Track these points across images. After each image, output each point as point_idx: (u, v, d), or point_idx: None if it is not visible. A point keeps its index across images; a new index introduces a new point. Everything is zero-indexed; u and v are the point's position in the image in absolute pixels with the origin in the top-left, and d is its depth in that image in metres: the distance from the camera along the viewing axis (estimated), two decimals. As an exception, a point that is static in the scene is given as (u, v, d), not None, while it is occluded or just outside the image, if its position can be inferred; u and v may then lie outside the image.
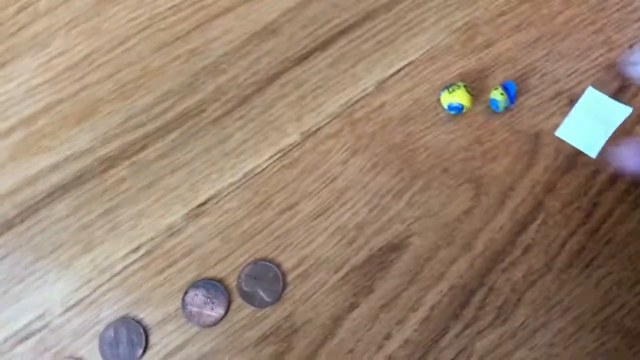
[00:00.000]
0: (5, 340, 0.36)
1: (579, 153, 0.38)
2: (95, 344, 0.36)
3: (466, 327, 0.35)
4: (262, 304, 0.36)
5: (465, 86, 0.39)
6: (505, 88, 0.39)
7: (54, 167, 0.39)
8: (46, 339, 0.36)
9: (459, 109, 0.39)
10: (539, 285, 0.36)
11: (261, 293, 0.36)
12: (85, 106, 0.41)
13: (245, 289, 0.36)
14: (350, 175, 0.39)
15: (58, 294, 0.37)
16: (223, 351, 0.35)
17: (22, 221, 0.38)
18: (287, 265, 0.37)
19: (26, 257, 0.38)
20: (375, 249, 0.37)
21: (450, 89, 0.39)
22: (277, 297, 0.36)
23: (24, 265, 0.37)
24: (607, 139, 0.38)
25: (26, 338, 0.36)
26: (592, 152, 0.38)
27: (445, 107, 0.39)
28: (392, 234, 0.37)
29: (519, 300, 0.36)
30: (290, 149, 0.40)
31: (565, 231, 0.37)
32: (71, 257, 0.37)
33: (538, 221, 0.37)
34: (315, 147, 0.40)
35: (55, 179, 0.39)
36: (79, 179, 0.39)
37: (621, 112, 0.39)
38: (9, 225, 0.38)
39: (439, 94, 0.40)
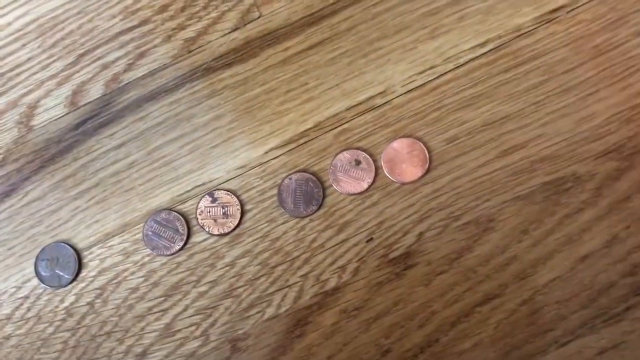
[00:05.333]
0: (348, 108, 0.37)
1: None
2: (436, 127, 0.37)
3: None
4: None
5: None
6: None
7: (402, -53, 0.38)
8: (387, 115, 0.37)
9: None
10: None
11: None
12: None
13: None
14: None
15: (400, 74, 0.37)
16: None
17: (367, -3, 0.38)
18: (635, 87, 0.36)
19: (371, 33, 0.38)
20: None
21: None
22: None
23: (368, 40, 0.38)
24: None
25: (367, 111, 0.37)
26: None
27: None
28: None
29: None
30: (657, -32, 0.37)
31: None
32: (416, 40, 0.37)
33: None
34: (685, -30, 0.37)
35: (403, -41, 0.38)
36: (428, -36, 0.38)
37: None
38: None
39: None
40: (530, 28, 0.37)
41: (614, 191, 0.35)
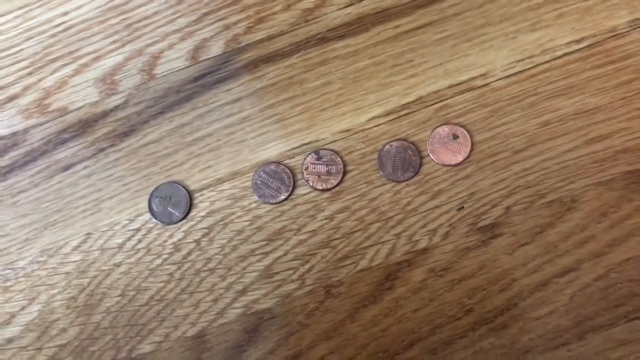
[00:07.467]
0: (449, 86, 0.40)
1: None
2: (531, 112, 0.40)
3: None
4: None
5: None
6: None
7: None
8: (485, 96, 0.40)
9: None
10: None
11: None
12: None
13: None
14: None
15: (501, 60, 0.40)
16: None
17: (475, -13, 0.41)
18: None
19: (476, 20, 0.41)
20: None
21: None
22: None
23: (473, 26, 0.41)
24: None
25: (467, 90, 0.40)
26: None
27: None
28: None
29: None
30: None
31: None
32: (517, 31, 0.40)
33: None
34: None
35: (511, -44, 0.42)
36: (534, -38, 0.41)
37: None
38: (463, -13, 0.41)
39: None
40: (624, 30, 0.40)
41: (689, 185, 0.38)
